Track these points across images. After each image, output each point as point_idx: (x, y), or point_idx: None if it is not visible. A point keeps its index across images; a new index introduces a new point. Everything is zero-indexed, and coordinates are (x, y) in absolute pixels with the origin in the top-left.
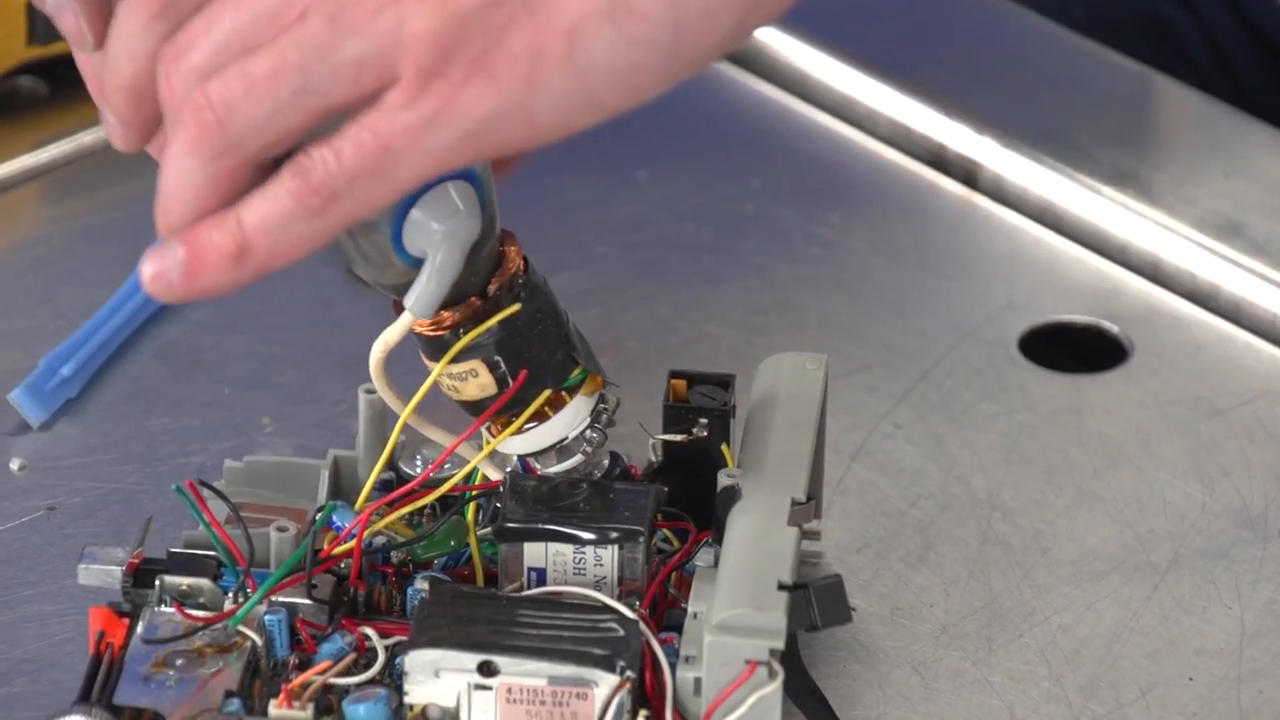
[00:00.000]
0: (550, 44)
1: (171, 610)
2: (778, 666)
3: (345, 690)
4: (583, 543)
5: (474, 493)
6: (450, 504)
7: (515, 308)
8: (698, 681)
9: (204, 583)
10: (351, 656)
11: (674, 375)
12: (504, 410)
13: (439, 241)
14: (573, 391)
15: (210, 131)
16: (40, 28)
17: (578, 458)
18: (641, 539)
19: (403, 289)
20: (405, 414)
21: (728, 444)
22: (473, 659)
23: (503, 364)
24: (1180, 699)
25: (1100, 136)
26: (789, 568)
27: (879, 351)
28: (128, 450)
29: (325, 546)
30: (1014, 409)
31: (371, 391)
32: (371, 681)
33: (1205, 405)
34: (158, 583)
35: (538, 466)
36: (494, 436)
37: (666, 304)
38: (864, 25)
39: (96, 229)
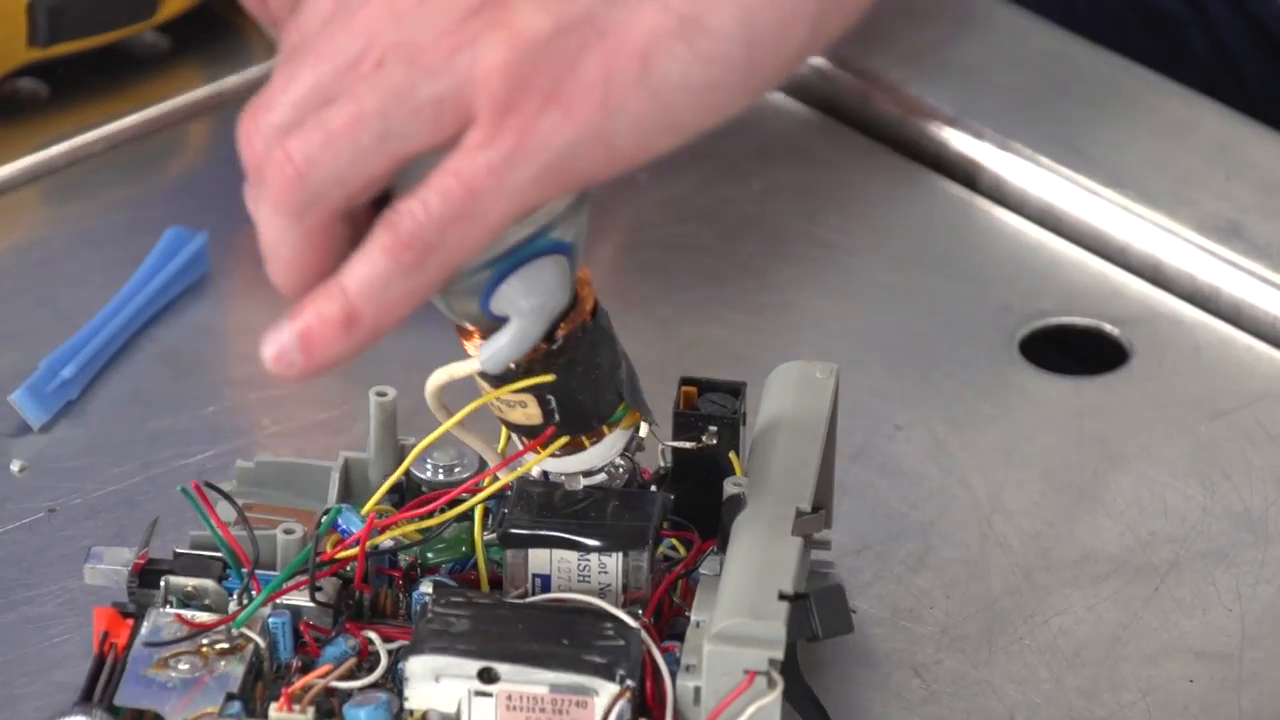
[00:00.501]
0: (623, 68)
1: (181, 610)
2: (777, 676)
3: (348, 694)
4: (587, 550)
5: (482, 497)
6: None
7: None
8: (697, 691)
9: (209, 584)
10: (352, 660)
11: (685, 382)
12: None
13: (526, 314)
14: (612, 425)
15: (292, 187)
16: (41, 29)
17: (601, 477)
18: (646, 547)
19: (474, 321)
20: (447, 425)
21: (737, 452)
22: (473, 665)
23: (554, 402)
24: (1180, 701)
25: (1100, 138)
26: (790, 577)
27: (879, 353)
28: (128, 452)
29: (330, 549)
30: (1014, 411)
31: (382, 394)
32: (374, 686)
33: (1206, 407)
34: (163, 583)
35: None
36: (529, 453)
37: (667, 305)
38: (863, 26)
39: (97, 231)
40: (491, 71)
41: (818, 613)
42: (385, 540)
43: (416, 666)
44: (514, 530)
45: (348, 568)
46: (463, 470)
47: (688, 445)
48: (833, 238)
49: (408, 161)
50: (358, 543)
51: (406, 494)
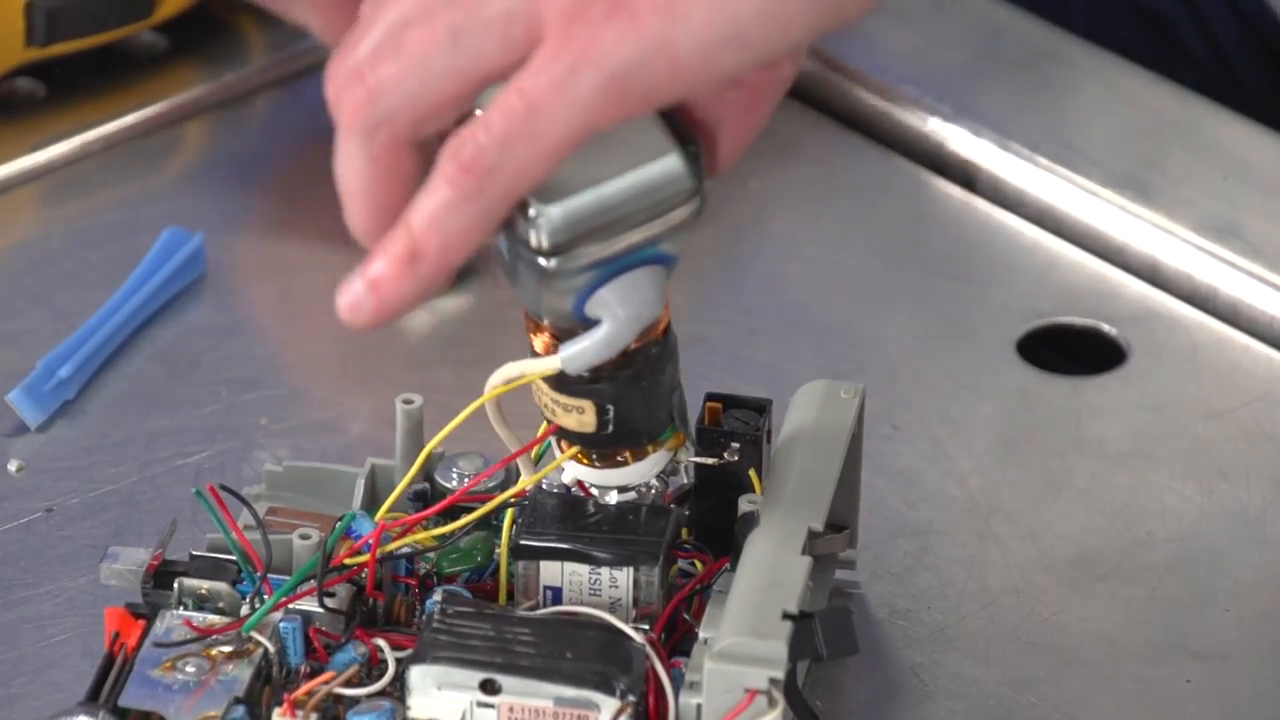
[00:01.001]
0: None
1: (190, 614)
2: (777, 695)
3: (355, 701)
4: (598, 563)
5: (509, 503)
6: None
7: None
8: (699, 708)
9: (222, 587)
10: (355, 668)
11: (710, 398)
12: (591, 448)
13: (620, 320)
14: (658, 445)
15: (362, 106)
16: (38, 29)
17: (632, 495)
18: (657, 562)
19: (559, 319)
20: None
21: (759, 469)
22: (475, 676)
23: (612, 413)
24: (1177, 701)
25: (1098, 138)
26: (796, 597)
27: (877, 353)
28: (125, 451)
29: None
30: (1012, 411)
31: (409, 402)
32: (381, 694)
33: (1203, 407)
34: (176, 585)
35: (594, 491)
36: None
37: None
38: (861, 27)
39: (94, 231)
40: None
41: (823, 633)
42: (398, 547)
43: (419, 675)
44: (523, 542)
45: (363, 574)
46: (489, 480)
47: (709, 461)
48: (830, 238)
49: (482, 84)
50: (368, 548)
51: (431, 503)
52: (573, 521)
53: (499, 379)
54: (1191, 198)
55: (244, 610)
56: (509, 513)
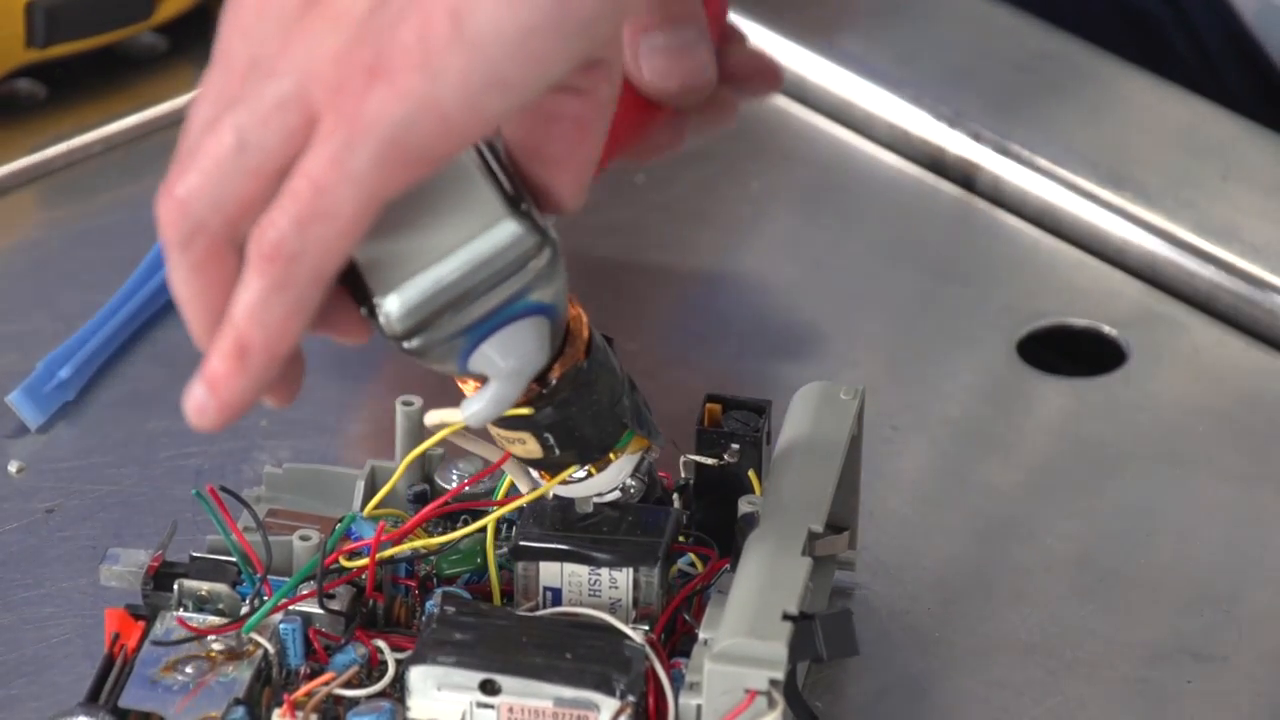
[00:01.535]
0: (436, 26)
1: (189, 615)
2: (777, 696)
3: (355, 702)
4: (598, 564)
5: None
6: (480, 518)
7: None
8: (699, 709)
9: (222, 588)
10: (355, 669)
11: (709, 399)
12: (547, 470)
13: (504, 375)
14: (619, 451)
15: (175, 220)
16: (39, 30)
17: (614, 495)
18: (656, 563)
19: (460, 375)
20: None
21: (758, 471)
22: (475, 677)
23: (552, 439)
24: (1177, 701)
25: (1098, 140)
26: (796, 598)
27: (876, 354)
28: (126, 452)
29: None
30: (1012, 412)
31: (409, 403)
32: (381, 695)
33: (1203, 408)
34: (176, 587)
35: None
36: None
37: (665, 307)
38: (861, 28)
39: (94, 232)
40: (321, 58)
41: (823, 634)
42: (399, 549)
43: (418, 676)
44: (523, 543)
45: (363, 575)
46: (488, 480)
47: (709, 461)
48: (829, 239)
49: (279, 174)
50: (367, 550)
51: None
52: (572, 522)
53: (429, 424)
54: (1191, 199)
55: (244, 611)
56: (490, 523)
